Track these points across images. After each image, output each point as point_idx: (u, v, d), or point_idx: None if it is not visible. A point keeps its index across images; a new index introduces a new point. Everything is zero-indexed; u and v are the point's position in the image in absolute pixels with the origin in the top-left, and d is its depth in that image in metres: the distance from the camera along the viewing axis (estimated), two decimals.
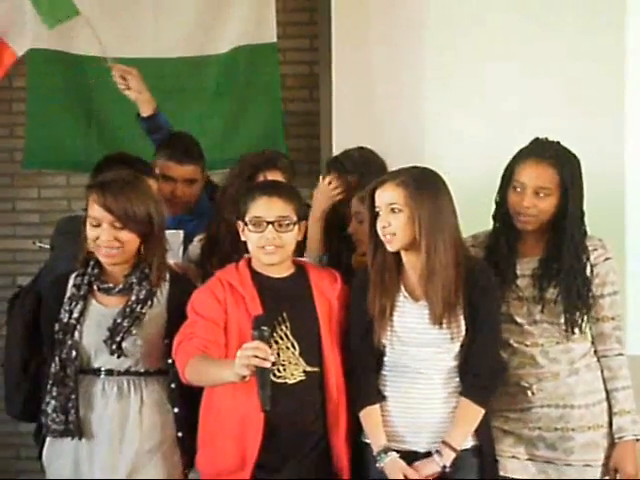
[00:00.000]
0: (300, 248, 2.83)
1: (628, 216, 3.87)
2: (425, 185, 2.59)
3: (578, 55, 3.91)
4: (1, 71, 3.96)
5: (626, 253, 3.80)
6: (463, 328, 2.60)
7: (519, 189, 2.73)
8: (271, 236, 2.63)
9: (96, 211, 2.67)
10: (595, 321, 2.76)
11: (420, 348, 2.61)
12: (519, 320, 2.74)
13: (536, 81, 3.93)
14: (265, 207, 2.65)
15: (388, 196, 2.59)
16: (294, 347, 2.62)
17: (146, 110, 3.56)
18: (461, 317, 2.60)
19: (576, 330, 2.72)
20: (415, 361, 2.62)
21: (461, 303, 2.60)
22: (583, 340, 2.76)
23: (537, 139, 2.79)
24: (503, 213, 2.79)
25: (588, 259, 2.73)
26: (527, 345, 2.73)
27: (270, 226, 2.63)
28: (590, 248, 2.74)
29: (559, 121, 3.73)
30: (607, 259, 2.75)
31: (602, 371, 2.77)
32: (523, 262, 2.76)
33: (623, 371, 2.76)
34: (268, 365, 2.37)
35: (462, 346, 2.61)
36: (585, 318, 2.73)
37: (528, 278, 2.75)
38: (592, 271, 2.73)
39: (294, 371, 2.61)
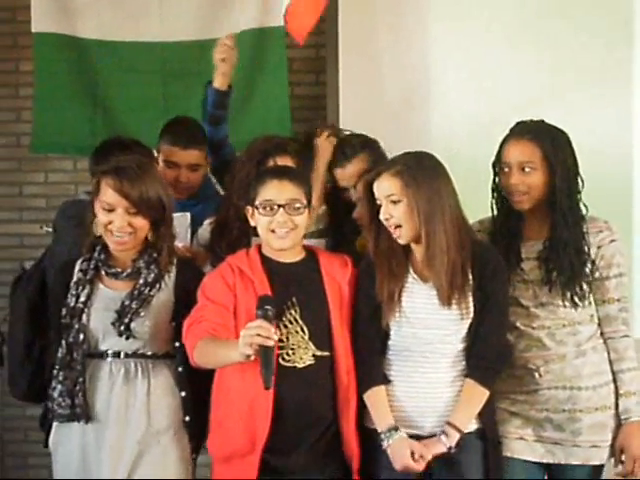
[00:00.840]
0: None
1: (636, 199, 3.87)
2: (420, 171, 2.60)
3: (586, 40, 3.91)
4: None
5: (633, 236, 3.81)
6: (472, 309, 2.62)
7: (506, 169, 2.76)
8: (282, 219, 2.64)
9: (111, 196, 2.67)
10: (601, 303, 2.76)
11: (428, 330, 2.63)
12: (525, 303, 2.75)
13: (544, 65, 3.93)
14: (276, 190, 2.65)
15: (385, 187, 2.61)
16: (303, 331, 2.63)
17: (223, 84, 3.47)
18: (470, 298, 2.61)
19: (577, 302, 2.71)
20: (421, 344, 2.63)
21: (470, 284, 2.61)
22: (589, 322, 2.76)
23: (520, 121, 2.81)
24: (500, 198, 2.80)
25: (584, 233, 2.72)
26: (534, 328, 2.74)
27: (281, 209, 2.64)
28: (595, 230, 2.75)
29: (568, 105, 3.75)
30: (612, 241, 2.75)
31: (609, 353, 2.77)
32: (528, 245, 2.77)
33: (629, 353, 2.76)
34: (271, 344, 2.38)
35: (469, 328, 2.62)
36: (585, 291, 2.72)
37: (533, 261, 2.75)
38: (597, 253, 2.73)
39: (303, 355, 2.62)
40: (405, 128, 4.06)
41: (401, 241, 2.63)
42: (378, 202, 2.63)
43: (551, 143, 2.72)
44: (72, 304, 2.70)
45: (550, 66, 3.95)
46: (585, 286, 2.72)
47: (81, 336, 2.68)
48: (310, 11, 3.50)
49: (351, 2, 3.99)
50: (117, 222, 2.67)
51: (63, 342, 2.69)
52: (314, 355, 2.63)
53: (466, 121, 3.95)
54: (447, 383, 2.63)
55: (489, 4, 4.03)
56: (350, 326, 2.67)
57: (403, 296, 2.64)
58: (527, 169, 2.72)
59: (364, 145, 3.12)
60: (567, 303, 2.71)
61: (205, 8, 4.02)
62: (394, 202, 2.60)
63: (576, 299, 2.71)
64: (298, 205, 2.65)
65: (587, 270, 2.72)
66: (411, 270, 2.67)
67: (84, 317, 2.69)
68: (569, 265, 2.70)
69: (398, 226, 2.61)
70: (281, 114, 4.09)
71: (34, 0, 4.03)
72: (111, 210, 2.68)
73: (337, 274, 2.70)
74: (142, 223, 2.69)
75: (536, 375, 2.73)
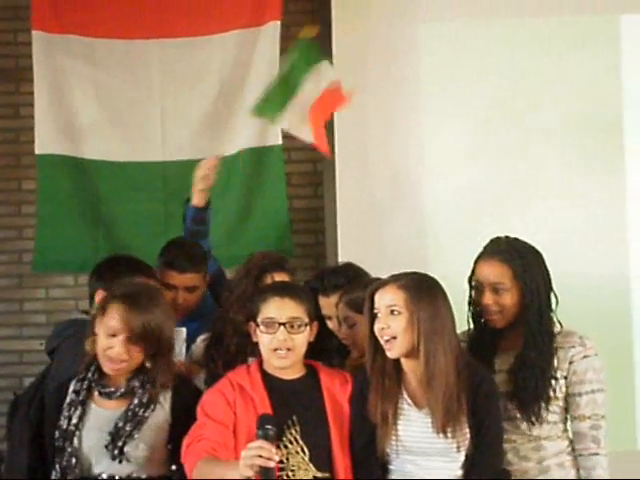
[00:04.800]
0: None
1: (635, 317, 3.90)
2: (425, 290, 2.60)
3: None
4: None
5: (634, 355, 3.80)
6: (468, 437, 2.58)
7: (479, 288, 2.79)
8: (283, 337, 2.63)
9: (116, 322, 2.66)
10: (573, 419, 2.76)
11: (427, 457, 2.59)
12: None
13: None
14: (277, 308, 2.65)
15: (388, 298, 2.60)
16: (304, 452, 2.59)
17: (200, 201, 3.55)
18: (466, 425, 2.58)
19: (535, 422, 2.70)
20: (422, 469, 2.59)
21: (464, 411, 2.58)
22: (558, 438, 2.76)
23: (493, 238, 2.85)
24: (475, 312, 2.82)
25: (553, 352, 2.72)
26: None
27: (282, 327, 2.64)
28: (568, 345, 2.75)
29: (565, 236, 3.79)
30: (586, 357, 2.75)
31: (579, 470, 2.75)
32: (503, 357, 2.78)
33: (598, 471, 2.73)
34: (272, 465, 2.35)
35: (467, 455, 2.59)
36: (547, 413, 2.71)
37: (504, 373, 2.76)
38: (569, 369, 2.73)
39: (304, 476, 2.58)
40: (400, 239, 4.13)
41: (391, 354, 2.59)
42: (375, 312, 2.61)
43: (522, 263, 2.75)
44: (64, 426, 2.67)
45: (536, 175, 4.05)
46: (544, 406, 2.70)
47: (73, 460, 2.64)
48: (325, 117, 3.58)
49: (346, 118, 4.09)
50: (116, 348, 2.66)
51: (57, 466, 2.66)
52: (314, 477, 2.58)
53: (458, 238, 4.00)
54: None
55: (477, 103, 4.12)
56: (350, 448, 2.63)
57: (399, 423, 2.61)
58: (500, 290, 2.75)
59: (350, 278, 3.08)
60: (526, 421, 2.71)
61: (206, 128, 4.11)
62: (394, 313, 2.58)
63: (533, 419, 2.70)
64: (299, 323, 2.65)
65: (551, 391, 2.71)
66: (405, 394, 2.64)
67: (75, 440, 2.65)
68: (533, 385, 2.70)
69: (393, 337, 2.58)
70: (281, 228, 4.16)
71: (38, 123, 4.13)
72: (113, 335, 2.67)
73: (338, 392, 2.68)
74: (140, 352, 2.68)
75: None
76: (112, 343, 2.67)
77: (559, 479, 2.72)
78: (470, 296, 2.82)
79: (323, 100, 3.45)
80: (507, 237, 2.83)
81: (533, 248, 2.81)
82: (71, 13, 4.12)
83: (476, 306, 2.80)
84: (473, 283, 2.81)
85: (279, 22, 4.13)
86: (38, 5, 4.12)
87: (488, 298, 2.75)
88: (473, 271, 2.81)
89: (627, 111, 4.17)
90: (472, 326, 2.83)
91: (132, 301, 2.67)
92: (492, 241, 2.84)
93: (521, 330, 2.75)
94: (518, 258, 2.76)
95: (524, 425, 2.72)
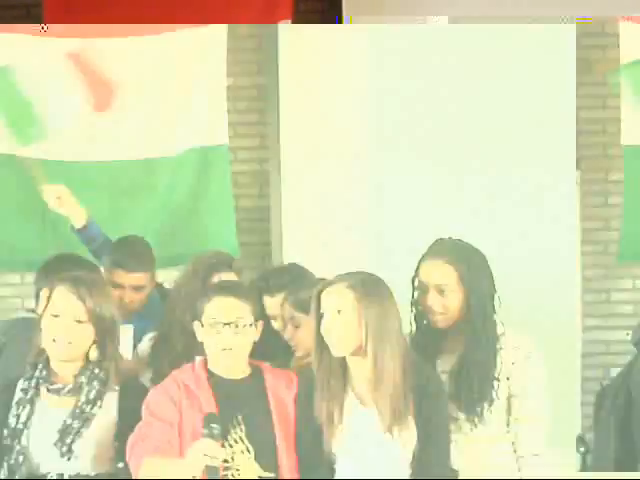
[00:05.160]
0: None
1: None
2: (372, 289, 2.60)
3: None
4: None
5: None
6: (415, 436, 2.60)
7: (423, 288, 2.78)
8: (227, 337, 2.64)
9: (63, 302, 2.66)
10: (514, 420, 2.77)
11: (374, 457, 2.60)
12: None
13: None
14: (221, 307, 2.66)
15: (334, 299, 2.60)
16: (249, 451, 2.60)
17: (79, 222, 3.61)
18: (412, 424, 2.60)
19: (478, 423, 2.71)
20: (368, 469, 2.60)
21: (411, 410, 2.59)
22: (500, 440, 2.77)
23: (437, 239, 2.85)
24: (418, 313, 2.81)
25: (495, 354, 2.74)
26: None
27: (227, 327, 2.64)
28: (509, 346, 2.76)
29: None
30: (527, 357, 2.75)
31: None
32: (444, 359, 2.79)
33: (539, 470, 2.75)
34: (217, 464, 2.37)
35: (414, 454, 2.61)
36: (487, 412, 2.73)
37: (446, 374, 2.77)
38: (511, 370, 2.74)
39: (249, 476, 2.58)
40: (345, 235, 4.19)
41: (336, 352, 2.58)
42: (321, 312, 2.61)
43: (467, 265, 2.75)
44: (13, 425, 2.66)
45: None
46: (487, 408, 2.72)
47: (21, 458, 2.64)
48: None
49: (293, 118, 4.13)
50: (61, 329, 2.65)
51: (5, 464, 2.65)
52: (260, 477, 2.59)
53: (407, 240, 4.02)
54: None
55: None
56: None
57: (345, 422, 2.62)
58: (445, 291, 2.75)
59: (295, 278, 3.08)
60: (469, 422, 2.73)
61: (151, 128, 4.09)
62: (340, 313, 2.59)
63: (476, 420, 2.72)
64: (244, 323, 2.65)
65: (494, 393, 2.73)
66: (351, 393, 2.65)
67: (24, 439, 2.65)
68: (477, 387, 2.72)
69: (339, 337, 2.58)
70: (226, 227, 4.17)
71: None
72: (56, 316, 2.67)
73: (283, 392, 2.68)
74: (86, 334, 2.67)
75: None
76: (56, 324, 2.66)
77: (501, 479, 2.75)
78: (412, 296, 2.82)
79: None
80: (451, 238, 2.83)
81: (477, 250, 2.82)
82: (84, 12, 4.07)
83: (419, 306, 2.79)
84: (416, 283, 2.80)
85: (290, 21, 4.13)
86: (50, 3, 4.06)
87: (432, 299, 2.75)
88: (417, 271, 2.81)
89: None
90: (414, 327, 2.83)
91: (74, 282, 2.68)
92: (436, 241, 2.83)
93: (463, 331, 2.76)
94: (463, 259, 2.76)
95: (466, 426, 2.74)
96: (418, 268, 2.81)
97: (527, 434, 2.77)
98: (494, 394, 2.73)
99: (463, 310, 2.76)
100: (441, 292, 2.75)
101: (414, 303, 2.82)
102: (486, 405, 2.73)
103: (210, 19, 4.07)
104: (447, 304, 2.75)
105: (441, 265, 2.76)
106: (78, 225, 3.61)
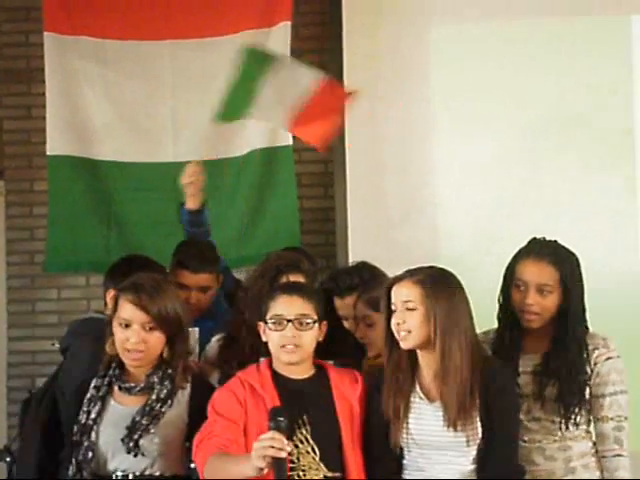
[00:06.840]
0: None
1: None
2: (442, 285, 2.60)
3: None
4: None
5: None
6: (479, 431, 2.58)
7: (522, 287, 2.77)
8: (291, 334, 2.64)
9: (128, 311, 2.69)
10: (596, 421, 2.76)
11: (438, 451, 2.59)
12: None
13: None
14: (285, 305, 2.67)
15: (404, 293, 2.59)
16: (314, 451, 2.60)
17: (194, 203, 3.58)
18: (477, 420, 2.58)
19: (571, 427, 2.72)
20: (432, 464, 2.60)
21: (477, 405, 2.58)
22: (583, 439, 2.77)
23: (534, 239, 2.85)
24: (507, 312, 2.81)
25: (588, 356, 2.74)
26: (525, 442, 2.73)
27: (290, 324, 2.65)
28: (591, 347, 2.76)
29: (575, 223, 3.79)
30: (609, 358, 2.76)
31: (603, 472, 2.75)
32: (526, 358, 2.78)
33: (620, 472, 2.73)
34: (284, 455, 2.36)
35: (479, 450, 2.58)
36: (581, 415, 2.73)
37: (528, 375, 2.76)
38: (592, 370, 2.74)
39: (314, 476, 2.58)
40: (410, 236, 4.14)
41: (404, 345, 2.59)
42: (392, 307, 2.61)
43: (569, 267, 2.76)
44: (83, 421, 2.70)
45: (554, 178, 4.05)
46: (576, 406, 2.72)
47: (90, 454, 2.66)
48: (326, 116, 3.54)
49: (357, 118, 4.10)
50: (133, 339, 2.68)
51: (73, 460, 2.68)
52: (325, 477, 2.59)
53: (471, 229, 4.00)
54: None
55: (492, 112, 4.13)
56: (362, 445, 2.64)
57: (410, 417, 2.61)
58: (545, 292, 2.75)
59: (365, 278, 3.09)
60: (558, 420, 2.72)
61: (216, 129, 4.10)
62: (410, 309, 2.58)
63: (567, 417, 2.71)
64: (307, 320, 2.66)
65: (582, 389, 2.73)
66: (418, 389, 2.64)
67: (93, 434, 2.68)
68: (567, 385, 2.71)
69: (408, 332, 2.58)
70: (291, 228, 4.17)
71: (49, 124, 4.17)
72: (128, 325, 2.70)
73: (348, 391, 2.68)
74: (156, 339, 2.70)
75: None
76: (127, 334, 2.69)
77: None
78: (504, 293, 2.81)
79: (320, 98, 3.43)
80: (545, 239, 2.83)
81: (573, 252, 2.82)
82: (82, 14, 4.15)
83: (514, 304, 2.78)
84: (515, 282, 2.78)
85: (289, 23, 4.14)
86: (50, 6, 4.14)
87: (532, 299, 2.75)
88: (513, 269, 2.80)
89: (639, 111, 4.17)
90: (501, 324, 2.82)
91: (141, 288, 2.70)
92: (534, 242, 2.83)
93: (548, 331, 2.76)
94: (566, 261, 2.77)
95: (551, 426, 2.72)
96: (515, 266, 2.80)
97: (609, 434, 2.74)
98: (585, 395, 2.73)
99: (558, 311, 2.75)
100: (541, 292, 2.75)
101: (504, 301, 2.81)
102: (577, 407, 2.72)
103: (210, 21, 4.07)
104: (546, 304, 2.76)
105: (544, 265, 2.76)
106: (194, 207, 3.57)
